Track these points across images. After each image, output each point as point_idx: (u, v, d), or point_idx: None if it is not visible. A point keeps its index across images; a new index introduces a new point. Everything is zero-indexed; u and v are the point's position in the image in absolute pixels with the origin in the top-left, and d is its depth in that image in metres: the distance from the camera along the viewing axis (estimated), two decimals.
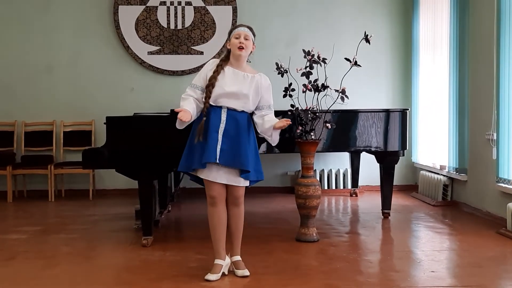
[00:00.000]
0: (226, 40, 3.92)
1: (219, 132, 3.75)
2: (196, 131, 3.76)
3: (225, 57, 3.89)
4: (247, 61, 3.91)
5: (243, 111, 3.83)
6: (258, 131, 3.91)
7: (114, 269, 4.18)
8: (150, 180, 4.73)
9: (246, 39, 3.81)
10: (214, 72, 3.80)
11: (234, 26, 3.93)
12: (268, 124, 3.82)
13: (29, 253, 4.62)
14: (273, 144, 3.96)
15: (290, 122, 3.80)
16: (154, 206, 5.05)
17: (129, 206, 6.19)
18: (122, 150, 4.67)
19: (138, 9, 7.57)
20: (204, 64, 4.07)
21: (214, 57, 3.94)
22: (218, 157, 3.70)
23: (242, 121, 3.80)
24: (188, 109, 3.73)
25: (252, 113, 3.92)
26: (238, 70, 3.84)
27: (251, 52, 3.88)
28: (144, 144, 4.67)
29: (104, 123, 4.76)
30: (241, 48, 3.79)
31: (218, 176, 3.76)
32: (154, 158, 4.65)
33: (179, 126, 3.75)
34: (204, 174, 3.78)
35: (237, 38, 3.81)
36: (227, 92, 3.75)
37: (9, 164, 7.10)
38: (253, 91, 3.81)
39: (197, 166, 3.75)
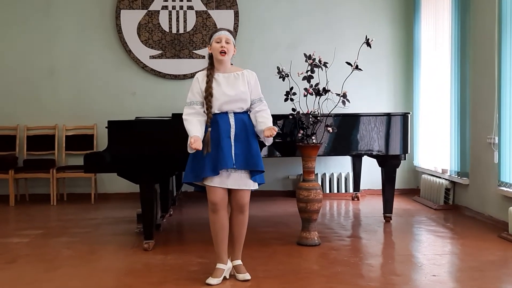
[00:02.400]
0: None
1: (231, 137, 3.78)
2: (204, 143, 3.74)
3: (210, 65, 3.89)
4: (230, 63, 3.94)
5: (245, 112, 3.86)
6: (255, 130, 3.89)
7: (115, 273, 4.19)
8: (152, 183, 4.74)
9: (227, 42, 3.82)
10: (207, 83, 3.81)
11: (214, 30, 3.93)
12: (260, 127, 3.81)
13: (31, 256, 4.63)
14: (267, 144, 3.94)
15: (276, 130, 3.76)
16: (155, 210, 5.06)
17: (131, 210, 6.20)
18: (123, 154, 4.67)
19: (140, 14, 7.59)
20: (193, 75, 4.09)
21: (204, 68, 3.95)
22: (234, 161, 3.74)
23: (249, 123, 3.85)
24: (198, 134, 3.73)
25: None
26: (226, 73, 3.85)
27: (232, 55, 3.89)
28: (145, 148, 4.67)
29: (106, 127, 4.77)
30: (223, 52, 3.80)
31: (228, 181, 3.77)
32: (156, 162, 4.66)
33: (190, 150, 3.75)
34: (212, 182, 3.76)
35: (218, 42, 3.82)
36: (230, 97, 3.78)
37: (11, 168, 7.11)
38: (246, 88, 3.84)
39: (210, 174, 3.73)
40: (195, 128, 3.75)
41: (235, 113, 3.82)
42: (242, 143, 3.79)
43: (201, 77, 3.87)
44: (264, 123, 3.80)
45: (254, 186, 3.85)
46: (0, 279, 4.04)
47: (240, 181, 3.79)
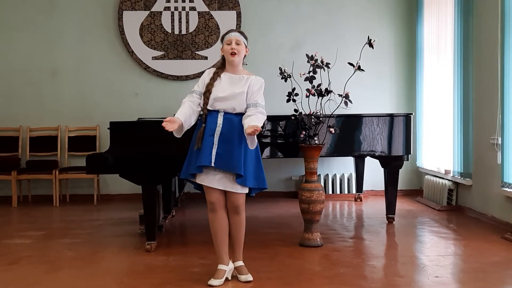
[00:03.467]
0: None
1: (215, 135, 3.75)
2: (196, 138, 3.77)
3: (220, 65, 3.92)
4: (243, 64, 3.93)
5: (239, 114, 3.82)
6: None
7: (117, 274, 4.18)
8: (154, 185, 4.73)
9: (238, 44, 3.83)
10: (211, 80, 3.83)
11: (225, 32, 3.94)
12: (244, 127, 3.70)
13: (33, 257, 4.63)
14: (250, 148, 3.77)
15: (259, 129, 3.61)
16: (158, 211, 5.05)
17: (133, 211, 6.20)
18: (126, 155, 4.67)
19: (143, 15, 7.59)
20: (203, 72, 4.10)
21: (215, 64, 3.97)
22: (213, 160, 3.71)
23: (238, 125, 3.78)
24: (178, 116, 3.75)
25: None
26: (234, 74, 3.86)
27: (245, 56, 3.90)
28: (148, 149, 4.67)
29: (108, 128, 4.77)
30: (233, 54, 3.82)
31: (215, 181, 3.76)
32: (158, 163, 4.65)
33: (176, 134, 3.79)
34: (201, 180, 3.79)
35: (228, 44, 3.83)
36: (223, 96, 3.77)
37: (14, 169, 7.12)
38: (245, 90, 3.81)
39: (194, 170, 3.76)
40: (181, 112, 3.79)
41: (225, 113, 3.79)
42: (226, 143, 3.74)
43: (208, 73, 3.91)
44: (246, 123, 3.68)
45: (243, 190, 3.80)
46: (2, 280, 4.04)
47: (226, 182, 3.77)
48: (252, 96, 3.82)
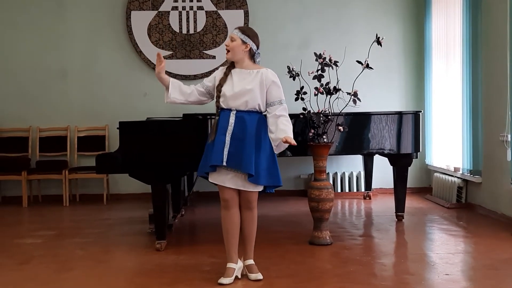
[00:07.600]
0: None
1: (227, 134, 3.77)
2: (211, 131, 3.83)
3: (231, 63, 3.93)
4: (255, 62, 3.88)
5: (252, 112, 3.80)
6: (269, 135, 3.84)
7: (128, 273, 4.21)
8: (163, 184, 4.75)
9: (232, 40, 3.83)
10: (224, 74, 3.87)
11: None
12: (280, 135, 3.74)
13: (44, 257, 4.66)
14: (276, 152, 3.85)
15: (294, 143, 3.71)
16: (167, 210, 5.07)
17: (143, 210, 6.22)
18: (135, 155, 4.69)
19: (151, 14, 7.61)
20: (216, 68, 4.13)
21: (223, 64, 4.01)
22: (226, 159, 3.72)
23: (251, 123, 3.78)
24: (164, 78, 3.93)
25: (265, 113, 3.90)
26: (243, 69, 3.85)
27: (250, 49, 3.83)
28: (157, 148, 4.68)
29: (117, 128, 4.79)
30: (227, 51, 3.85)
31: (227, 180, 3.77)
32: (167, 162, 4.67)
33: (166, 95, 3.99)
34: (214, 178, 3.81)
35: None
36: (233, 92, 3.78)
37: (24, 169, 7.16)
38: (257, 85, 3.78)
39: (207, 169, 3.78)
40: (175, 82, 3.97)
41: (237, 111, 3.79)
42: (238, 142, 3.75)
43: (221, 70, 3.94)
44: (284, 131, 3.75)
45: (255, 188, 3.80)
46: (14, 280, 4.07)
47: (238, 181, 3.78)
48: (271, 92, 3.81)
